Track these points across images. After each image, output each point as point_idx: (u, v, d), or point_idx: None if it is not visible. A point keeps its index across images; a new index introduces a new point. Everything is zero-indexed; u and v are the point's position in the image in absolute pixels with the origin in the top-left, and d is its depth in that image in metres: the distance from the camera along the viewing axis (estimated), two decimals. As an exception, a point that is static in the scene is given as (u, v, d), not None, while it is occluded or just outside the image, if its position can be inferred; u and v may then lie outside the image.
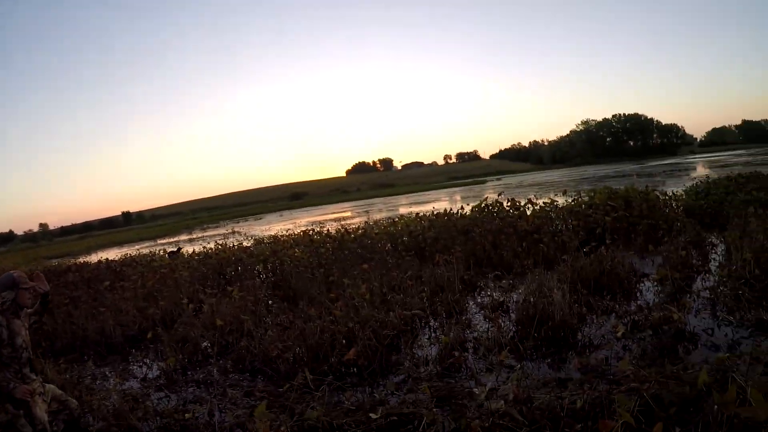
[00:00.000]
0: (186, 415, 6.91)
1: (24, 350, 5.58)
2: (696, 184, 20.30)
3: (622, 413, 4.29)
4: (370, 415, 5.82)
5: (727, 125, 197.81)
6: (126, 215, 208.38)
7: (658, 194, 17.56)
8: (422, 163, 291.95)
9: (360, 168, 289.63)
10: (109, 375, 9.80)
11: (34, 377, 5.73)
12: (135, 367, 10.25)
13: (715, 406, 4.35)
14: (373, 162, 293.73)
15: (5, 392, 5.25)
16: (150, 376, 9.49)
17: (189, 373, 9.13)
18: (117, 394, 7.92)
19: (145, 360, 10.50)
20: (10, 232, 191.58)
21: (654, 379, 5.25)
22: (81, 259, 34.08)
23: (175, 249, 26.93)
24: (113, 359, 10.93)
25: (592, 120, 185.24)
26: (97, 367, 10.16)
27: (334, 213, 68.87)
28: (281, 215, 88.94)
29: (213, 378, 8.60)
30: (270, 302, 12.03)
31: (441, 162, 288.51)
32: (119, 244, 67.17)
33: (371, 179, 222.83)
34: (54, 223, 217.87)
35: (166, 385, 8.75)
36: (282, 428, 5.43)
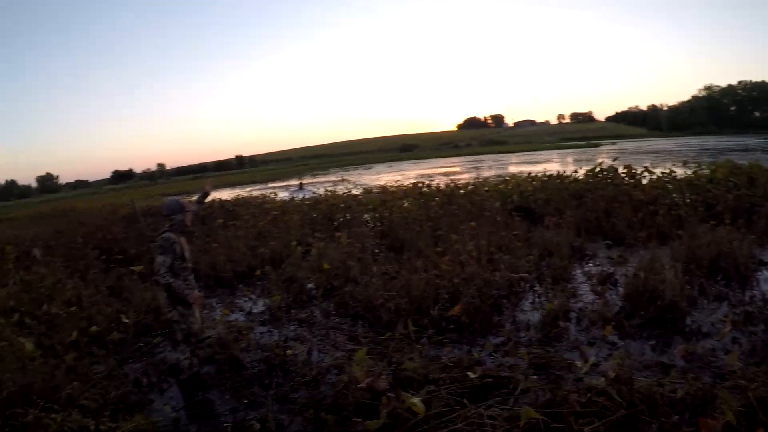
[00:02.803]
0: (287, 351, 7.11)
1: (190, 262, 6.58)
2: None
3: (726, 411, 4.13)
4: (468, 373, 5.80)
5: None
6: (239, 159, 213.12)
7: (786, 173, 16.44)
8: (534, 121, 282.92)
9: (471, 123, 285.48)
10: (216, 306, 10.20)
11: (195, 285, 6.67)
12: (242, 301, 10.61)
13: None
14: (485, 118, 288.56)
15: (182, 297, 6.19)
16: (255, 311, 9.82)
17: (293, 311, 9.36)
18: (223, 324, 8.22)
19: (251, 296, 10.82)
20: (130, 170, 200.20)
21: (762, 380, 4.97)
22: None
23: (299, 184, 27.96)
24: (222, 292, 11.39)
25: (716, 86, 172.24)
26: (206, 299, 10.53)
27: (443, 167, 68.26)
28: (390, 166, 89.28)
29: (315, 319, 8.83)
30: (377, 251, 12.15)
31: (554, 121, 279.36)
32: (232, 185, 68.76)
33: (482, 135, 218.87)
34: (171, 164, 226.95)
35: (269, 321, 9.06)
36: (380, 375, 5.49)
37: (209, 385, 6.58)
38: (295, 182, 53.73)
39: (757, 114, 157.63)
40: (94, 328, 8.14)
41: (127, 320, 8.71)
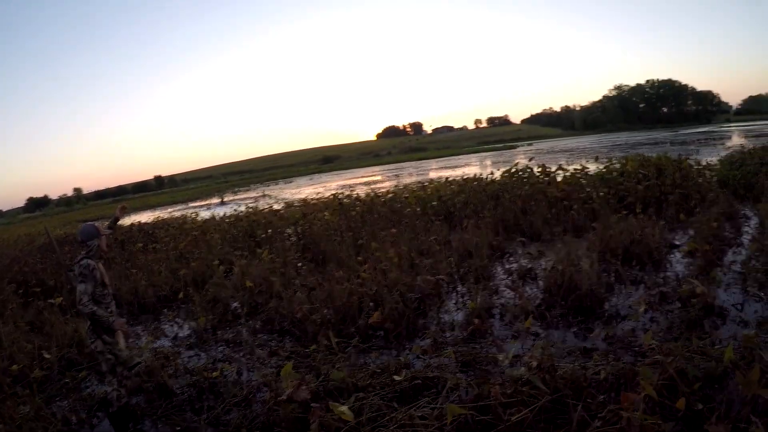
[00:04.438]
0: (215, 373, 7.05)
1: (110, 288, 6.41)
2: (731, 153, 19.94)
3: (645, 386, 4.28)
4: (395, 377, 5.89)
5: (764, 93, 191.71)
6: (158, 179, 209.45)
7: (692, 163, 17.24)
8: (452, 127, 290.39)
9: (390, 132, 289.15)
10: (142, 333, 10.01)
11: (117, 312, 6.51)
12: (167, 326, 10.44)
13: (739, 385, 4.33)
14: (404, 126, 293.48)
15: (107, 325, 5.99)
16: (181, 335, 9.68)
17: (219, 332, 9.29)
18: (149, 351, 8.11)
19: (176, 320, 10.68)
20: (45, 196, 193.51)
21: (679, 354, 5.20)
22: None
23: (220, 200, 27.96)
24: (146, 318, 11.19)
25: (625, 85, 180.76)
26: (129, 326, 10.36)
27: (364, 177, 68.77)
28: (311, 179, 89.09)
29: (242, 338, 8.75)
30: (299, 264, 12.09)
31: (471, 126, 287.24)
32: (152, 207, 67.66)
33: (402, 143, 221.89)
34: (88, 188, 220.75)
35: (196, 343, 8.94)
36: (299, 386, 5.52)
37: (140, 416, 6.48)
38: (216, 200, 53.37)
39: (665, 110, 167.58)
40: (15, 367, 7.88)
41: (48, 356, 8.47)
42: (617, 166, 17.45)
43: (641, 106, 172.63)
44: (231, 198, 58.11)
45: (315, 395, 5.71)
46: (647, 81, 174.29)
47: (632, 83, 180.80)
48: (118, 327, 6.14)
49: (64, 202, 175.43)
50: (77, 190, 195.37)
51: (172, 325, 10.40)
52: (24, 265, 16.49)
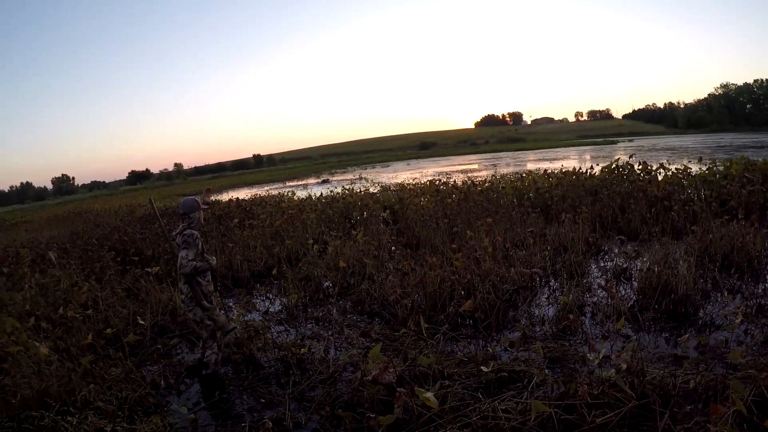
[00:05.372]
0: (302, 349, 7.14)
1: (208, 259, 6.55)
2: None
3: (736, 400, 4.12)
4: (482, 368, 5.83)
5: None
6: (257, 158, 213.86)
7: (799, 169, 16.38)
8: (552, 118, 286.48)
9: (489, 121, 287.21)
10: (233, 306, 10.20)
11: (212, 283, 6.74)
12: (258, 300, 10.64)
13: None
14: (503, 115, 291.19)
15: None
16: (272, 310, 9.85)
17: (309, 310, 9.41)
18: (240, 324, 8.28)
19: (268, 295, 10.87)
20: (147, 170, 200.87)
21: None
22: (213, 198, 35.35)
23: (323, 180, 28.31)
24: (238, 292, 11.41)
25: (732, 84, 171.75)
26: (222, 299, 10.60)
27: (461, 165, 68.58)
28: (408, 164, 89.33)
29: (332, 317, 8.85)
30: (393, 248, 12.12)
31: (572, 119, 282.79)
32: (250, 184, 69.13)
33: (500, 132, 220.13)
34: (188, 163, 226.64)
35: (286, 319, 9.08)
36: (386, 369, 5.54)
37: (227, 385, 6.63)
38: (313, 180, 54.03)
39: None
40: (109, 331, 8.15)
41: (143, 322, 8.76)
42: (721, 168, 16.81)
43: (748, 106, 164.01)
44: (328, 178, 58.83)
45: (400, 379, 5.70)
46: (755, 81, 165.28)
47: (739, 82, 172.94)
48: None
49: (165, 176, 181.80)
50: (178, 165, 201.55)
51: (263, 300, 10.59)
52: (123, 234, 17.11)
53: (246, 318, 9.16)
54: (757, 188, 13.98)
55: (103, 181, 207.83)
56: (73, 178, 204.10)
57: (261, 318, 9.37)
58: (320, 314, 9.08)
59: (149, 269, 10.88)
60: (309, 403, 5.92)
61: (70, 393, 6.12)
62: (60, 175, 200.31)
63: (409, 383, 5.53)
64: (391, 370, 5.51)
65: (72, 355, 7.34)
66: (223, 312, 6.96)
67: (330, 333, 8.13)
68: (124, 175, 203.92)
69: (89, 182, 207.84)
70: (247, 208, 21.78)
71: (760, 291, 8.34)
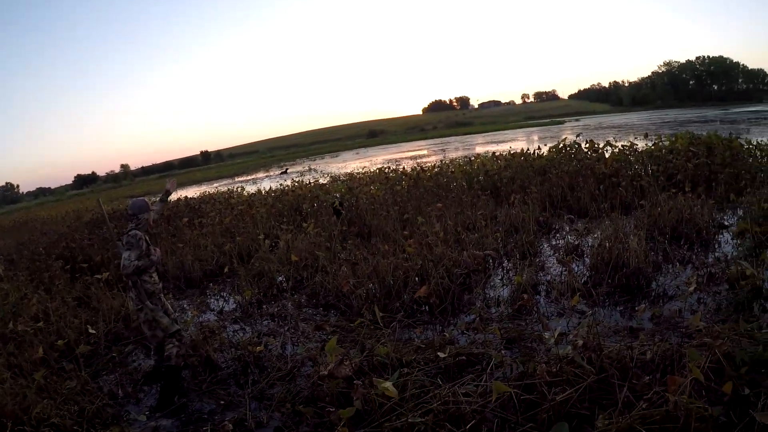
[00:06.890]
0: (259, 347, 7.10)
1: (154, 257, 6.52)
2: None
3: (693, 369, 4.18)
4: (439, 353, 5.84)
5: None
6: (204, 154, 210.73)
7: (742, 142, 16.72)
8: (499, 101, 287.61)
9: (436, 106, 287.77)
10: (187, 308, 10.09)
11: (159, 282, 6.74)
12: (212, 300, 10.56)
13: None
14: (450, 100, 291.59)
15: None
16: (226, 309, 9.78)
17: (264, 306, 9.38)
18: (194, 325, 8.20)
19: (222, 294, 10.79)
20: (93, 173, 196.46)
21: (727, 336, 5.07)
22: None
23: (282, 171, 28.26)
24: (191, 293, 11.31)
25: (675, 61, 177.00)
26: (176, 300, 10.53)
27: (410, 151, 68.89)
28: (357, 153, 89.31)
29: (287, 312, 8.81)
30: (344, 239, 12.14)
31: (519, 101, 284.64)
32: (198, 182, 68.49)
33: (447, 117, 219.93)
34: (135, 164, 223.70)
35: (241, 318, 9.02)
36: (341, 362, 5.53)
37: (186, 390, 6.55)
38: (262, 174, 53.93)
39: (715, 87, 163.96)
40: (61, 342, 7.95)
41: (94, 331, 8.56)
42: (666, 143, 17.17)
43: (691, 83, 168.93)
44: (277, 172, 58.59)
45: (359, 370, 5.72)
46: (697, 58, 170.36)
47: (682, 59, 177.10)
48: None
49: (112, 178, 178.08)
50: (124, 167, 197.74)
51: (217, 300, 10.52)
52: (71, 240, 16.77)
53: (201, 319, 9.10)
54: (702, 161, 14.33)
55: (49, 187, 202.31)
56: (18, 186, 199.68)
57: (216, 318, 9.28)
58: (275, 310, 9.05)
59: (99, 276, 10.67)
60: (269, 402, 5.89)
61: (25, 411, 5.97)
62: (3, 184, 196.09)
63: (368, 374, 5.54)
64: (346, 363, 5.51)
65: (25, 371, 7.19)
66: (176, 313, 6.89)
67: (286, 328, 8.10)
68: (70, 180, 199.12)
69: (34, 189, 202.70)
70: (196, 207, 21.61)
71: (710, 260, 8.57)
